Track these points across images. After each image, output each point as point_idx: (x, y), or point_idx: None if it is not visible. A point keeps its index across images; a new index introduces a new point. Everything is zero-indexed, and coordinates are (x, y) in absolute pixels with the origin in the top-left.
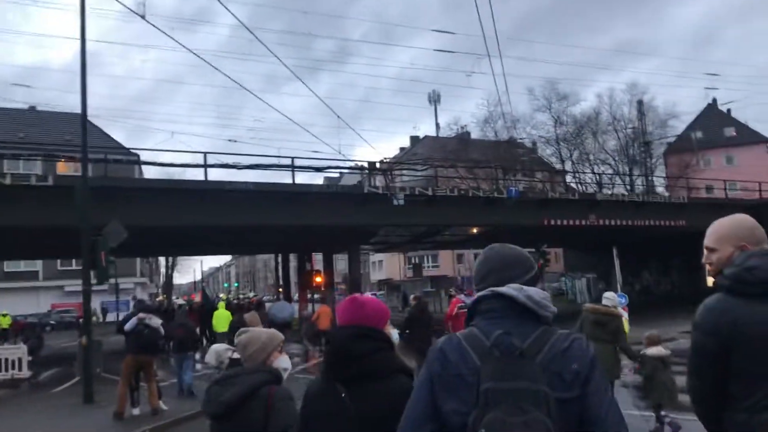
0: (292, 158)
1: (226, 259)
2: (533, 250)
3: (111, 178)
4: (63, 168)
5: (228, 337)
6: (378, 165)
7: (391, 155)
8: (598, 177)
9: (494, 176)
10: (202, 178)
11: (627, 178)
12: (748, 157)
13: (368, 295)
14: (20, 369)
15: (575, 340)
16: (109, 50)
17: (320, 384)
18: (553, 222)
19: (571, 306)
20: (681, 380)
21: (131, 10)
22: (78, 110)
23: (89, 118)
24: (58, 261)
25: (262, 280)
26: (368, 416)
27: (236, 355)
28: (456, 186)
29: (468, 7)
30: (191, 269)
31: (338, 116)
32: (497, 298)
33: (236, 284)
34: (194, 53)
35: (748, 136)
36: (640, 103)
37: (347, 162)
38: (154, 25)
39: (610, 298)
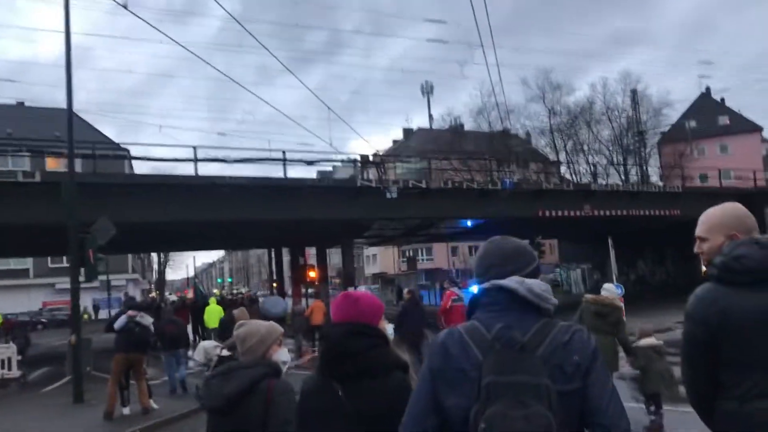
0: (284, 152)
1: (219, 254)
2: (528, 241)
3: (99, 174)
4: (52, 164)
5: (218, 333)
6: (371, 158)
7: (385, 148)
8: (592, 167)
9: (488, 168)
10: (192, 173)
11: (621, 168)
12: (742, 146)
13: (362, 289)
14: (10, 369)
15: (576, 332)
16: (99, 44)
17: (316, 382)
18: (547, 213)
19: (566, 297)
20: (678, 370)
21: (115, 1)
22: (66, 106)
23: (78, 113)
24: (49, 258)
25: (255, 275)
26: (365, 414)
27: (225, 352)
28: (450, 178)
29: None
30: (184, 265)
31: (329, 107)
32: (498, 291)
33: (230, 279)
34: (183, 46)
35: (741, 125)
36: (633, 92)
37: (339, 155)
38: (139, 17)
39: (608, 289)
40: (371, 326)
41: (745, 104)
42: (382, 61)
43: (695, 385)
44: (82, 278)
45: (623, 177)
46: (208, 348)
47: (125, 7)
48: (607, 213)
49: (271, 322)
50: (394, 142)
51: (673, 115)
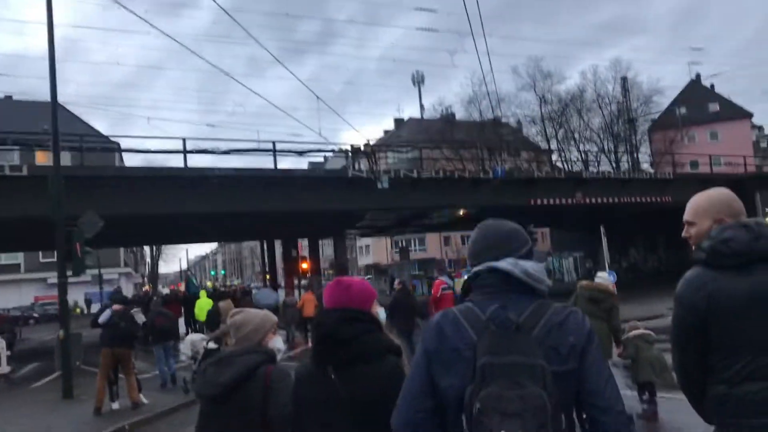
0: (273, 142)
1: (212, 246)
2: None
3: (87, 167)
4: (41, 158)
5: (207, 325)
6: (362, 148)
7: (376, 138)
8: (583, 155)
9: (480, 157)
10: (182, 165)
11: (612, 156)
12: (732, 132)
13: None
14: None
15: (571, 314)
16: (90, 37)
17: (309, 368)
18: (539, 201)
19: (559, 285)
20: (670, 357)
21: None
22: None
23: (67, 106)
24: (40, 253)
25: (249, 268)
26: (359, 399)
27: (212, 345)
28: (441, 168)
29: None
30: (177, 258)
31: (318, 96)
32: (493, 272)
33: (223, 272)
34: (172, 38)
35: (731, 111)
36: (624, 80)
37: (330, 145)
38: (128, 9)
39: (602, 277)
40: (364, 312)
41: (736, 90)
42: (373, 51)
43: (685, 369)
44: (70, 272)
45: (614, 165)
46: (194, 341)
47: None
48: (599, 201)
49: (266, 311)
50: (385, 132)
51: (663, 102)
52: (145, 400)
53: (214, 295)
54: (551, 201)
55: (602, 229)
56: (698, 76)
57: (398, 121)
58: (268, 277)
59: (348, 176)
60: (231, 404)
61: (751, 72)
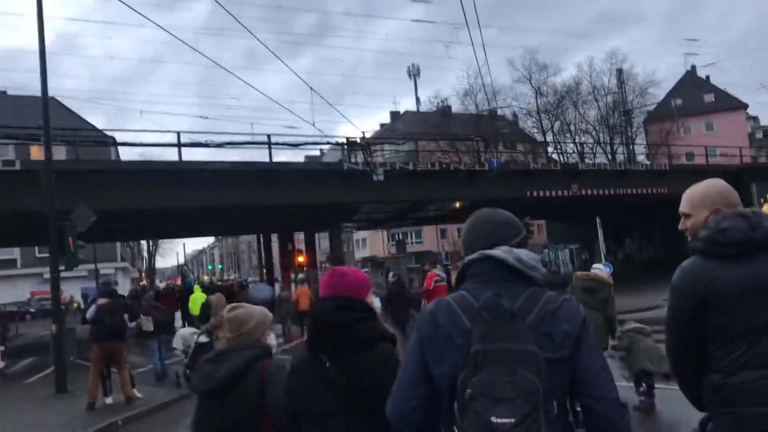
0: (268, 135)
1: (209, 241)
2: None
3: (80, 161)
4: (37, 153)
5: (199, 319)
6: (358, 140)
7: (372, 131)
8: (579, 147)
9: (476, 149)
10: (176, 159)
11: (608, 148)
12: (728, 123)
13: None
14: None
15: (565, 301)
16: (87, 31)
17: (304, 356)
18: (535, 193)
19: (555, 277)
20: (665, 347)
21: None
22: (51, 94)
23: (64, 101)
24: (36, 248)
25: (246, 262)
26: (354, 386)
27: (203, 339)
28: (437, 160)
29: None
30: (174, 252)
31: (311, 88)
32: (487, 260)
33: (220, 266)
34: (168, 32)
35: (727, 103)
36: (619, 71)
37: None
38: (124, 2)
39: (598, 269)
40: (358, 300)
41: (731, 81)
42: (370, 43)
43: (680, 358)
44: (63, 267)
45: (610, 156)
46: (185, 335)
47: None
48: (595, 192)
49: (261, 307)
50: (382, 125)
51: (659, 94)
52: (138, 395)
53: (210, 289)
54: (547, 193)
55: (598, 221)
56: (694, 67)
57: (394, 114)
58: (264, 271)
59: (344, 169)
60: (228, 398)
61: (747, 63)
